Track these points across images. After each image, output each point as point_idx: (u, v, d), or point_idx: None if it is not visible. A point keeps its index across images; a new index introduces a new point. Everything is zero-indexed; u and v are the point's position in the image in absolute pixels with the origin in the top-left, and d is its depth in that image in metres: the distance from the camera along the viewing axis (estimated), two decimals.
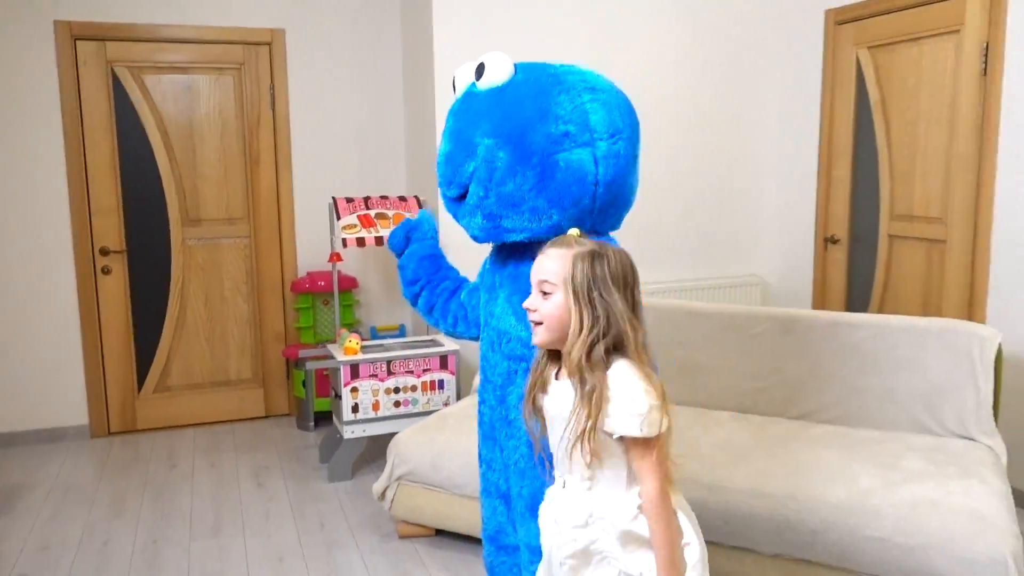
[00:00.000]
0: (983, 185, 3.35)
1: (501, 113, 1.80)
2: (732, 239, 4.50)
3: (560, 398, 1.54)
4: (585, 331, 1.46)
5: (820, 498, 2.42)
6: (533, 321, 1.54)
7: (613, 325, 1.47)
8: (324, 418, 4.39)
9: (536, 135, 1.77)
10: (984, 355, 2.84)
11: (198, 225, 4.35)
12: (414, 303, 2.25)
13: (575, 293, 1.47)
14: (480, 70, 1.85)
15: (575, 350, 1.46)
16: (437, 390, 3.69)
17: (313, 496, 3.50)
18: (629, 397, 1.44)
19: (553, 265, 1.51)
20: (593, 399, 1.43)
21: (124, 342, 4.28)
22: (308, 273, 4.41)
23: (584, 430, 1.44)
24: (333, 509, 3.36)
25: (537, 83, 1.82)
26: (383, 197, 3.91)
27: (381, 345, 3.78)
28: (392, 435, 3.64)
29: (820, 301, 4.25)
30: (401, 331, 4.48)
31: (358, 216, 3.74)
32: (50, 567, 2.90)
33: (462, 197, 1.90)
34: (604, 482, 1.50)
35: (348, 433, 3.58)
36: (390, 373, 3.60)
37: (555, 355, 1.57)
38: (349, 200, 3.81)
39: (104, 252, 4.20)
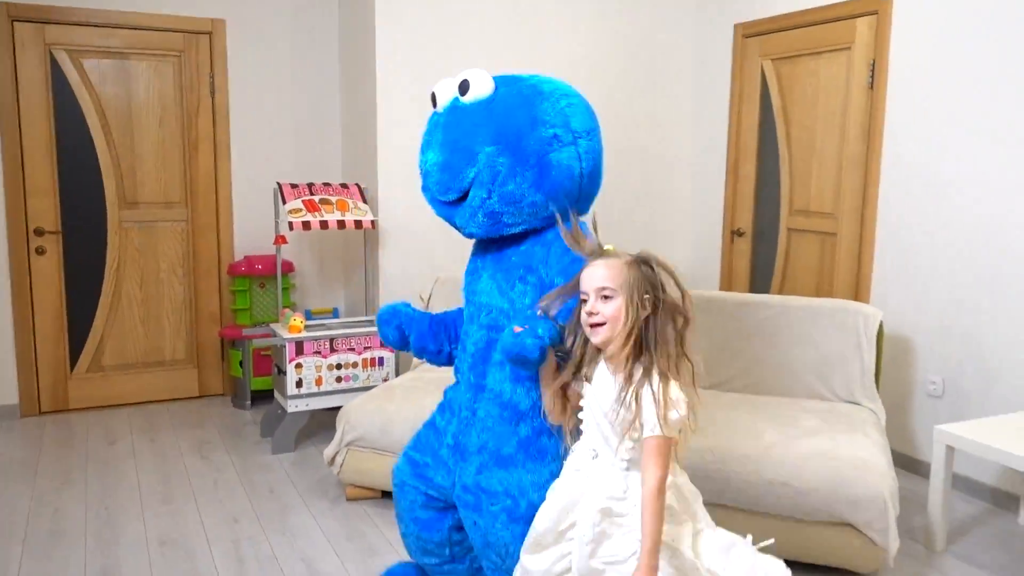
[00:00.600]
0: (869, 184, 3.81)
1: (496, 123, 2.04)
2: (648, 231, 4.87)
3: (603, 385, 1.77)
4: (638, 330, 1.72)
5: (731, 451, 2.77)
6: (594, 324, 1.75)
7: (660, 325, 1.72)
8: (260, 397, 4.52)
9: (530, 140, 2.03)
10: (868, 331, 3.28)
11: (135, 208, 4.42)
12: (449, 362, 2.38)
13: (632, 298, 1.72)
14: (465, 86, 2.07)
15: (626, 347, 1.71)
16: (377, 366, 3.90)
17: (258, 467, 3.66)
18: (662, 400, 1.68)
19: (611, 273, 1.75)
20: (640, 396, 1.68)
21: (57, 322, 4.31)
22: (245, 257, 4.54)
23: (632, 421, 1.68)
24: (280, 478, 3.54)
25: (520, 94, 2.08)
26: (325, 184, 4.09)
27: (323, 324, 3.96)
28: (334, 409, 3.86)
29: (727, 287, 4.67)
30: (335, 314, 4.67)
31: (303, 201, 3.92)
32: (3, 534, 2.98)
33: (458, 200, 2.11)
34: (635, 463, 1.74)
35: (292, 407, 3.76)
36: (332, 350, 3.80)
37: (595, 349, 1.80)
38: (293, 186, 3.98)
39: (39, 232, 4.22)
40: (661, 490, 1.69)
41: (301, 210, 3.88)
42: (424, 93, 2.42)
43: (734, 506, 2.74)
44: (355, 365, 3.85)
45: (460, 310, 2.36)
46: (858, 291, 3.87)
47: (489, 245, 2.20)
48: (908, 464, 3.62)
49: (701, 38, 4.79)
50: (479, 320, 2.16)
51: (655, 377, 1.69)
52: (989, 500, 3.33)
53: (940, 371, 3.52)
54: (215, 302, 4.63)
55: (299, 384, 3.75)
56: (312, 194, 3.98)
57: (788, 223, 4.29)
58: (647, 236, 4.87)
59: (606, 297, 1.75)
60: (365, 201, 4.12)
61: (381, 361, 3.91)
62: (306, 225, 3.86)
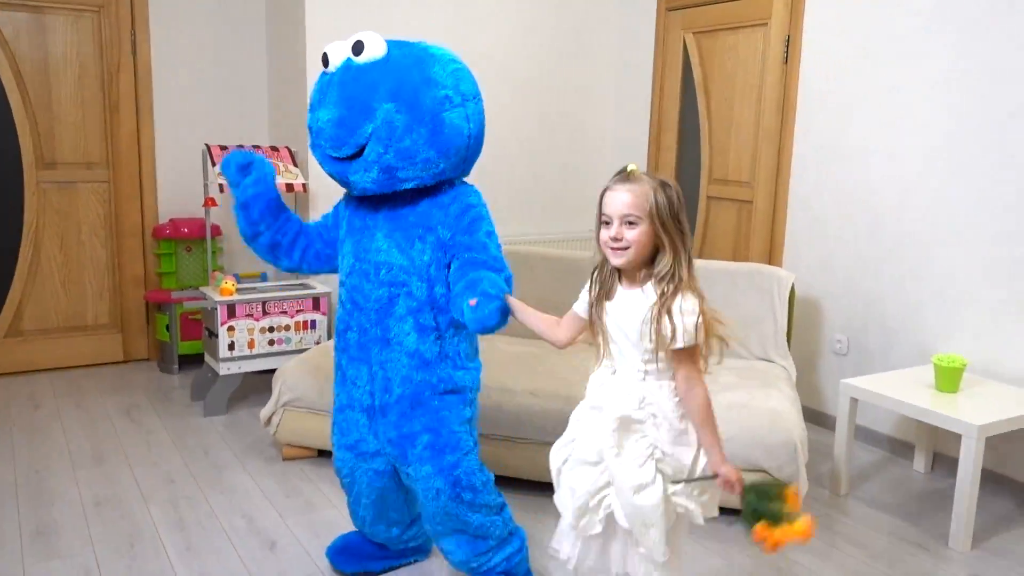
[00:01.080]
0: (783, 155, 4.03)
1: (392, 81, 2.11)
2: (575, 198, 5.00)
3: (626, 304, 1.82)
4: (672, 252, 1.77)
5: None
6: (619, 248, 1.77)
7: (687, 245, 1.80)
8: (187, 361, 4.49)
9: (426, 98, 2.12)
10: (781, 293, 3.50)
11: (54, 168, 4.30)
12: (253, 240, 2.37)
13: (662, 221, 1.76)
14: (359, 47, 2.13)
15: (666, 267, 1.76)
16: (309, 329, 3.94)
17: (191, 429, 3.66)
18: (690, 312, 1.76)
19: (635, 199, 1.76)
20: (671, 311, 1.75)
21: None
22: (171, 220, 4.48)
23: (665, 334, 1.75)
24: (214, 439, 3.56)
25: (413, 55, 2.17)
26: (255, 146, 4.06)
27: (254, 288, 3.96)
28: (264, 372, 3.89)
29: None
30: (263, 278, 4.65)
31: None
32: None
33: (353, 156, 2.15)
34: (653, 375, 1.84)
35: (224, 370, 3.76)
36: (265, 313, 3.81)
37: (615, 271, 1.85)
38: (223, 148, 3.94)
39: None
40: (708, 400, 1.82)
41: None
42: None
43: None
44: (287, 328, 3.87)
45: (302, 221, 2.43)
46: (771, 256, 4.10)
47: (380, 204, 2.25)
48: (815, 418, 3.88)
49: (626, 10, 4.91)
50: (377, 277, 2.21)
51: (680, 292, 1.77)
52: (887, 449, 3.62)
53: (845, 330, 3.78)
54: (139, 266, 4.55)
55: (231, 347, 3.75)
56: None
57: (707, 191, 4.49)
58: (573, 205, 5.01)
59: (631, 223, 1.77)
60: (296, 164, 4.12)
61: (313, 324, 3.94)
62: None
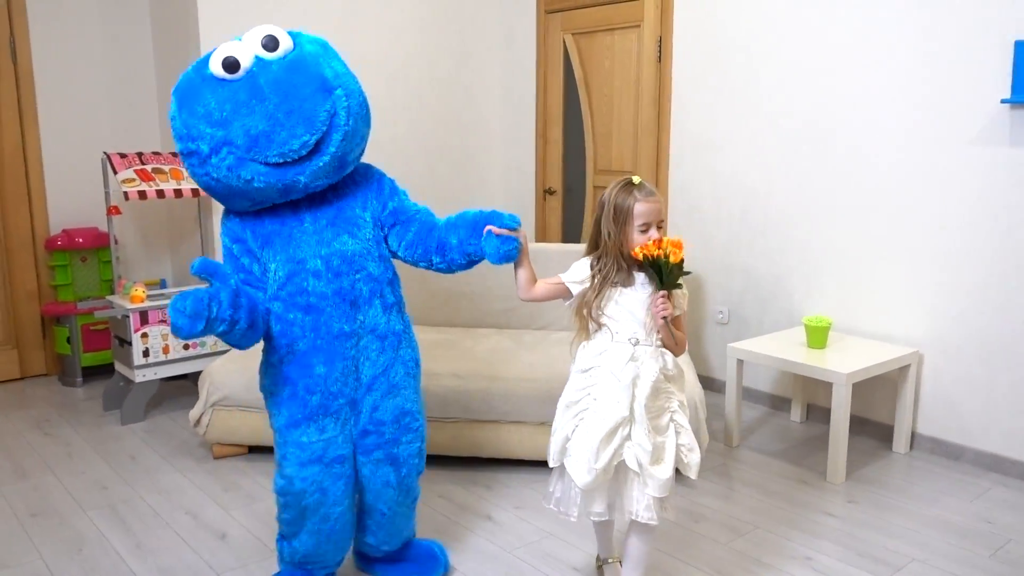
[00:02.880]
0: (661, 147, 4.41)
1: (327, 68, 2.13)
2: (468, 192, 5.24)
3: (640, 288, 2.16)
4: None
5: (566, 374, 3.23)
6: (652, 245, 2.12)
7: None
8: (90, 373, 4.43)
9: (351, 81, 2.19)
10: None
11: None
12: (238, 337, 2.09)
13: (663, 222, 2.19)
14: (274, 42, 2.10)
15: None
16: None
17: (110, 437, 3.67)
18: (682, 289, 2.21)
19: (661, 207, 2.18)
20: (682, 297, 2.20)
21: None
22: (64, 230, 4.40)
23: (675, 308, 2.15)
24: (137, 445, 3.58)
25: (317, 43, 2.20)
26: (155, 153, 4.07)
27: (162, 294, 3.98)
28: (181, 376, 3.94)
29: (542, 240, 5.16)
30: (163, 285, 4.64)
31: (135, 171, 3.89)
32: None
33: (306, 157, 2.09)
34: (657, 343, 2.18)
35: (140, 377, 3.78)
36: None
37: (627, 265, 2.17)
38: (123, 155, 3.94)
39: None
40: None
41: (135, 180, 3.86)
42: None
43: None
44: None
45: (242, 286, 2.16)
46: None
47: (298, 202, 2.22)
48: (705, 383, 4.27)
49: (507, 13, 5.18)
50: (330, 272, 2.18)
51: None
52: (768, 404, 4.07)
53: (726, 302, 4.21)
54: (32, 279, 4.44)
55: (146, 354, 3.77)
56: (143, 163, 3.96)
57: (594, 181, 4.83)
58: (467, 198, 5.25)
59: (659, 226, 2.17)
60: None
61: None
62: (142, 195, 3.85)
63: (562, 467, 2.21)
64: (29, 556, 2.65)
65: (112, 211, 3.95)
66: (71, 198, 4.46)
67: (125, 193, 3.81)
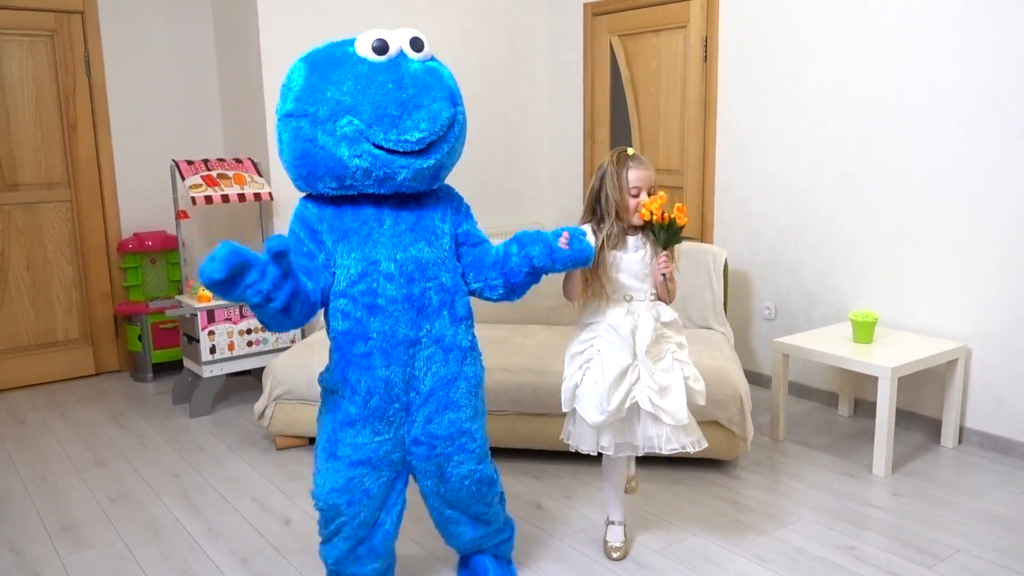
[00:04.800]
0: (707, 145, 4.47)
1: (450, 84, 2.24)
2: (517, 193, 5.36)
3: (636, 249, 2.42)
4: None
5: None
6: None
7: None
8: (159, 369, 4.67)
9: (463, 106, 2.29)
10: (716, 267, 3.93)
11: (16, 190, 4.41)
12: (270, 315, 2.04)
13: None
14: (420, 44, 2.21)
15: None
16: None
17: (180, 429, 3.88)
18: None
19: (652, 174, 2.41)
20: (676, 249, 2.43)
21: None
22: (134, 234, 4.64)
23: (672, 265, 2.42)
24: (205, 436, 3.78)
25: (443, 64, 2.30)
26: (220, 159, 4.28)
27: None
28: (245, 372, 4.13)
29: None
30: None
31: (202, 176, 4.10)
32: None
33: (419, 152, 2.14)
34: (653, 295, 2.46)
35: (207, 372, 3.98)
36: (242, 316, 4.04)
37: (623, 229, 2.42)
38: (190, 162, 4.15)
39: None
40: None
41: (202, 185, 4.06)
42: None
43: None
44: (264, 329, 4.11)
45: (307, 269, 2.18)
46: (703, 235, 4.54)
47: (380, 202, 2.24)
48: (752, 377, 4.33)
49: (555, 16, 5.29)
50: (403, 276, 2.19)
51: None
52: (815, 400, 4.10)
53: (772, 298, 4.25)
54: (105, 280, 4.70)
55: (212, 350, 3.97)
56: (209, 169, 4.16)
57: None
58: (517, 200, 5.37)
59: (650, 192, 2.38)
60: (260, 174, 4.34)
61: None
62: (208, 199, 4.05)
63: (574, 410, 2.51)
64: (111, 538, 2.85)
65: (180, 215, 4.16)
66: (141, 203, 4.71)
67: (193, 198, 4.02)
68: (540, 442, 3.39)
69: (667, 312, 2.48)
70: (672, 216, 2.34)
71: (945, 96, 3.45)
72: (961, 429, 3.54)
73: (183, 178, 4.08)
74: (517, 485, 3.20)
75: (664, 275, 2.41)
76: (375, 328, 2.18)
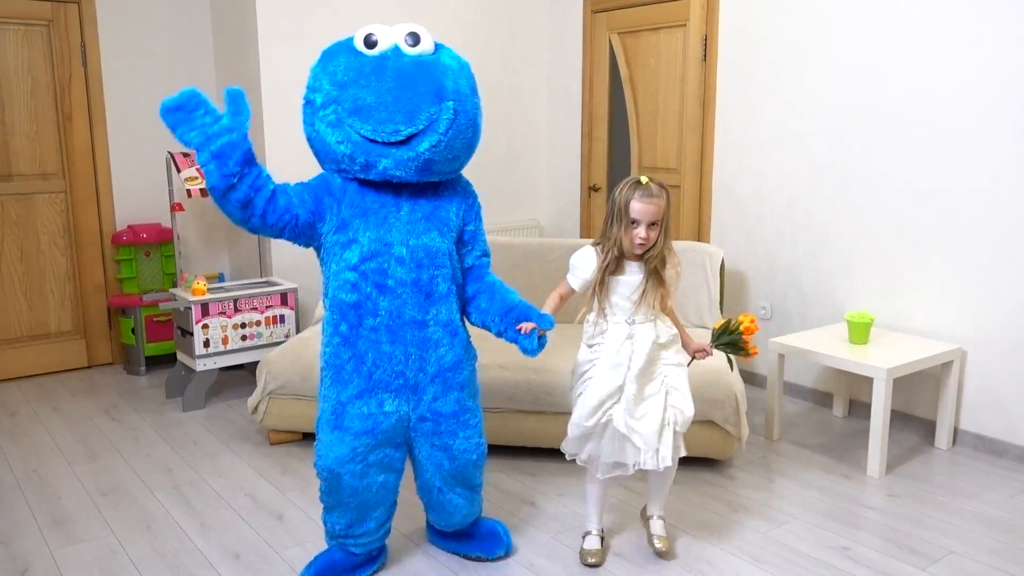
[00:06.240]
0: (705, 144, 4.46)
1: (449, 81, 2.25)
2: (514, 190, 5.35)
3: (633, 275, 2.44)
4: (664, 236, 2.43)
5: None
6: (644, 243, 2.39)
7: (670, 230, 2.47)
8: (153, 362, 4.64)
9: (470, 105, 2.30)
10: (712, 267, 3.92)
11: (10, 180, 4.38)
12: (224, 194, 2.16)
13: (665, 219, 2.41)
14: (416, 39, 2.25)
15: (658, 250, 2.43)
16: (279, 324, 4.16)
17: (173, 423, 3.86)
18: (675, 271, 2.48)
19: (658, 210, 2.37)
20: (674, 276, 2.47)
21: None
22: (129, 226, 4.61)
23: (669, 291, 2.47)
24: (199, 430, 3.76)
25: (458, 60, 2.32)
26: None
27: (222, 287, 4.16)
28: (239, 366, 4.11)
29: (587, 237, 5.24)
30: (221, 279, 4.84)
31: (197, 169, 4.07)
32: None
33: (398, 143, 2.20)
34: (654, 317, 2.49)
35: (201, 366, 3.96)
36: (236, 310, 4.02)
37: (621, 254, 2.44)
38: (186, 154, 4.12)
39: None
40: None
41: (197, 178, 4.04)
42: (309, 56, 2.47)
43: None
44: (258, 323, 4.09)
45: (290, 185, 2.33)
46: (700, 234, 4.53)
47: (401, 188, 2.33)
48: (747, 377, 4.33)
49: (554, 13, 5.27)
50: (414, 261, 2.28)
51: (667, 260, 2.47)
52: (810, 400, 4.10)
53: (768, 297, 4.25)
54: (99, 272, 4.67)
55: (206, 344, 3.95)
56: None
57: None
58: (514, 196, 5.35)
59: (653, 225, 2.38)
60: None
61: (283, 319, 4.16)
62: (203, 192, 4.03)
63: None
64: (102, 532, 2.83)
65: (176, 208, 4.14)
66: (136, 195, 4.68)
67: (188, 191, 4.00)
68: (535, 440, 3.38)
69: (665, 332, 2.51)
70: (740, 329, 2.45)
71: (943, 99, 3.45)
72: (955, 431, 3.55)
73: (179, 170, 4.06)
74: (511, 482, 3.20)
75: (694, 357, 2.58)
76: (383, 307, 2.30)
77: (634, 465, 2.48)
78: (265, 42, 4.27)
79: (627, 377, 2.44)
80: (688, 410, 2.51)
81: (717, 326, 2.51)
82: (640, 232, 2.37)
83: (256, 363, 4.02)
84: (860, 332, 3.50)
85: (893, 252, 3.69)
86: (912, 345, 3.48)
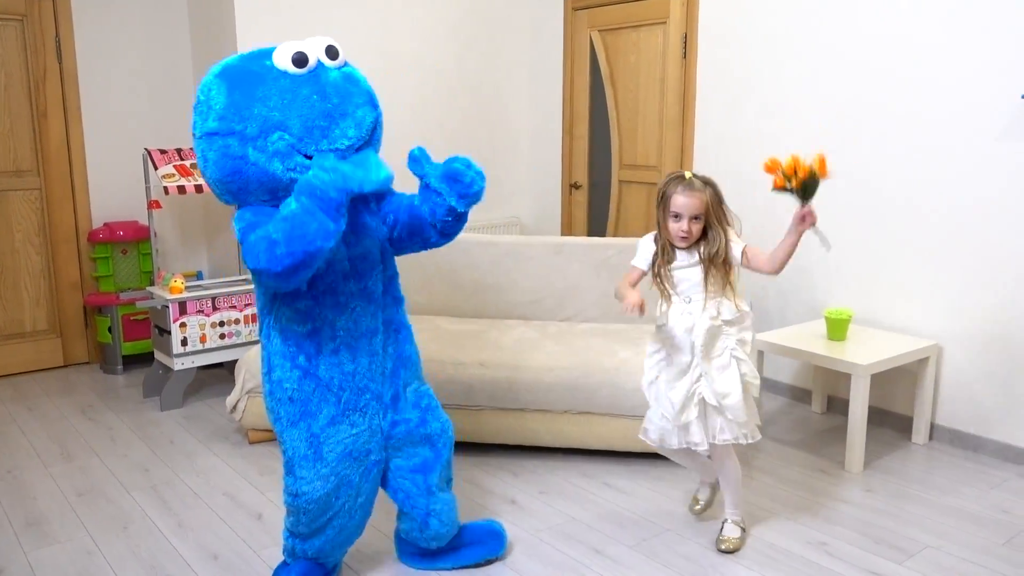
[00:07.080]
0: (685, 142, 4.47)
1: (369, 90, 2.29)
2: (495, 188, 5.32)
3: (685, 261, 2.54)
4: (720, 227, 2.52)
5: (596, 365, 3.32)
6: (686, 236, 2.49)
7: (729, 220, 2.58)
8: (130, 361, 4.60)
9: (379, 108, 2.33)
10: None
11: None
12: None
13: (713, 210, 2.50)
14: (335, 52, 2.23)
15: (715, 242, 2.52)
16: (257, 322, 4.13)
17: (150, 423, 3.82)
18: (735, 251, 2.57)
19: (700, 204, 2.47)
20: (731, 257, 2.55)
21: None
22: (105, 224, 4.56)
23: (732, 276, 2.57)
24: (176, 430, 3.73)
25: (356, 69, 2.33)
26: (193, 149, 4.21)
27: (200, 285, 4.13)
28: (217, 365, 4.08)
29: (568, 234, 5.24)
30: (199, 277, 4.80)
31: (175, 166, 4.04)
32: None
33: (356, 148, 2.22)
34: (715, 297, 2.55)
35: (178, 365, 3.92)
36: (215, 308, 3.99)
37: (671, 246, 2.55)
38: (163, 151, 4.08)
39: None
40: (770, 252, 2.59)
41: (174, 175, 4.00)
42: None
43: (598, 412, 3.29)
44: (237, 322, 4.06)
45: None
46: None
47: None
48: None
49: (535, 10, 5.27)
50: (356, 270, 2.30)
51: (726, 235, 2.56)
52: (789, 396, 4.13)
53: (747, 294, 4.26)
54: (75, 270, 4.62)
55: (184, 343, 3.92)
56: (183, 159, 4.10)
57: (619, 176, 4.90)
58: (495, 193, 5.34)
59: (695, 218, 2.48)
60: None
61: None
62: (181, 189, 3.99)
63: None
64: (78, 533, 2.80)
65: (153, 205, 4.10)
66: (112, 193, 4.63)
67: (165, 188, 3.96)
68: (515, 437, 3.38)
69: (728, 310, 2.56)
70: (813, 170, 2.43)
71: (920, 97, 3.48)
72: (932, 426, 3.58)
73: (156, 167, 4.02)
74: (492, 480, 3.19)
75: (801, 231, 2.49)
76: (341, 325, 2.29)
77: (712, 439, 2.59)
78: (243, 38, 4.23)
79: (695, 351, 2.53)
80: (757, 378, 2.61)
81: (795, 184, 2.42)
82: (683, 225, 2.48)
83: (235, 362, 4.00)
84: (838, 329, 3.52)
85: (871, 249, 3.72)
86: (889, 341, 3.51)
